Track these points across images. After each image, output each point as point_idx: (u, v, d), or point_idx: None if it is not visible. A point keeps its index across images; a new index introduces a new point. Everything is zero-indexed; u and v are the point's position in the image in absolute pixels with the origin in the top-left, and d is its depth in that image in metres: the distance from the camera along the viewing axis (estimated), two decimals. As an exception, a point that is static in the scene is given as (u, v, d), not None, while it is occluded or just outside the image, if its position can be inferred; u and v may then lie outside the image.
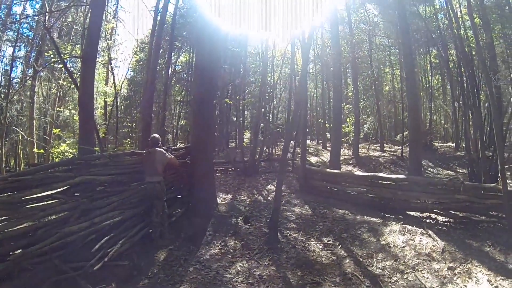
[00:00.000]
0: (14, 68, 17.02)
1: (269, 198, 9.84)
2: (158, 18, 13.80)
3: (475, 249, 5.84)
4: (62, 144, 13.11)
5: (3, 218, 4.51)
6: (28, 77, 16.40)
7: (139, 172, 6.40)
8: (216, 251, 6.08)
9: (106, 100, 19.83)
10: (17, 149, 17.36)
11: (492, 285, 4.67)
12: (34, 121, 16.87)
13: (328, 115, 23.13)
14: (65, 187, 5.10)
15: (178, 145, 16.63)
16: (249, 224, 7.41)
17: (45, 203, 4.86)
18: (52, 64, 16.01)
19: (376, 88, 20.41)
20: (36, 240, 4.61)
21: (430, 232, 6.60)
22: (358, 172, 12.10)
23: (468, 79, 12.38)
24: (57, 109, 18.60)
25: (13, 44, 16.31)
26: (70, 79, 12.49)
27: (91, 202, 5.44)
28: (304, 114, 12.56)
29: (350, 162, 15.81)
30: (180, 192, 7.80)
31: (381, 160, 15.97)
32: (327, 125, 22.49)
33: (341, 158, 14.64)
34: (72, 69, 16.34)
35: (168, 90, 18.12)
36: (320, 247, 6.34)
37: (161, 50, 15.95)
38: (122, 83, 19.96)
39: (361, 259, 5.75)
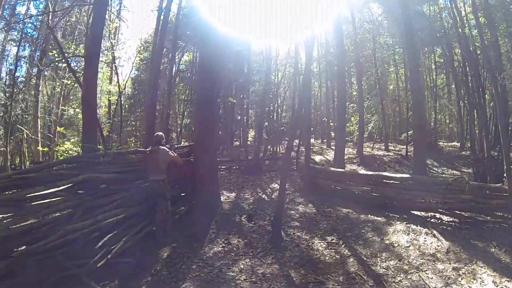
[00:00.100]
0: (18, 68, 17.11)
1: (273, 196, 9.82)
2: (162, 17, 13.81)
3: (480, 249, 5.79)
4: (66, 142, 13.18)
5: (7, 215, 4.52)
6: (32, 76, 16.46)
7: (143, 170, 6.41)
8: (220, 249, 6.08)
9: (110, 99, 19.91)
10: (22, 147, 17.43)
11: (497, 286, 4.63)
12: (39, 120, 16.94)
13: (332, 114, 23.07)
14: (69, 185, 5.11)
15: (182, 143, 16.64)
16: (252, 223, 7.40)
17: (49, 200, 4.87)
18: (56, 63, 16.09)
19: (381, 87, 20.36)
20: (39, 237, 4.61)
21: (434, 232, 6.56)
22: (362, 171, 12.04)
23: (473, 78, 12.32)
24: (62, 107, 18.69)
25: (18, 43, 16.38)
26: (74, 78, 12.53)
27: (95, 199, 5.44)
28: (308, 113, 12.54)
29: (355, 161, 15.74)
30: (183, 190, 7.81)
31: (385, 159, 15.90)
32: (332, 124, 22.43)
33: (345, 157, 14.59)
34: (76, 68, 16.43)
35: (172, 89, 18.13)
36: (324, 246, 6.31)
37: (164, 49, 15.98)
38: (126, 82, 20.02)
39: (365, 259, 5.72)
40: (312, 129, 21.61)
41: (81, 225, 4.98)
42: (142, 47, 20.34)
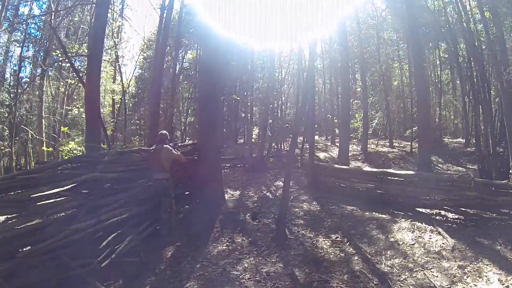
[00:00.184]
0: (22, 68, 17.14)
1: (277, 194, 9.80)
2: (164, 15, 13.81)
3: (486, 247, 5.75)
4: (70, 142, 13.23)
5: (12, 216, 4.54)
6: (36, 76, 16.53)
7: (146, 169, 6.41)
8: (224, 247, 6.07)
9: (114, 98, 19.96)
10: (27, 147, 17.51)
11: (503, 284, 4.58)
12: (43, 120, 17.04)
13: (336, 111, 22.95)
14: (73, 185, 5.11)
15: (187, 141, 16.65)
16: (257, 221, 7.39)
17: (53, 200, 4.87)
18: (60, 63, 16.14)
19: (385, 83, 20.25)
20: (44, 237, 4.62)
21: (439, 229, 6.51)
22: (366, 168, 11.99)
23: (478, 73, 12.21)
24: (66, 107, 18.76)
25: (21, 44, 16.42)
26: (78, 78, 12.57)
27: (99, 199, 5.45)
28: (312, 110, 12.51)
29: (359, 158, 15.70)
30: (187, 188, 7.81)
31: (390, 156, 15.83)
32: (336, 120, 22.35)
33: (349, 154, 14.55)
34: (80, 67, 16.45)
35: (176, 87, 18.15)
36: (328, 244, 6.29)
37: (168, 48, 15.98)
38: (130, 81, 20.09)
39: (369, 257, 5.69)
40: (316, 126, 21.54)
41: (85, 225, 4.98)
42: (145, 46, 20.35)
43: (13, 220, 4.50)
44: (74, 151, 12.02)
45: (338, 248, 6.09)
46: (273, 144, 16.28)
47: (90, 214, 5.20)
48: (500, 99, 10.85)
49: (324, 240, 6.43)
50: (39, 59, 16.63)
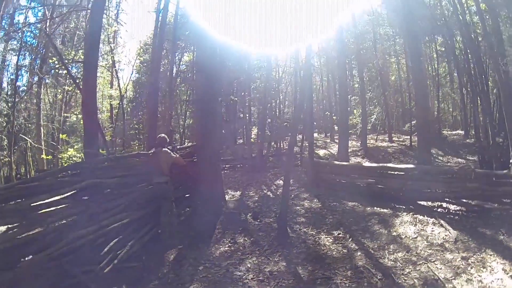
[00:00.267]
0: (19, 77, 17.09)
1: (278, 193, 9.79)
2: (160, 18, 13.80)
3: (488, 237, 5.74)
4: (70, 149, 13.22)
5: (13, 225, 4.52)
6: (33, 84, 16.52)
7: (146, 173, 6.40)
8: (226, 248, 6.06)
9: (112, 103, 19.94)
10: (27, 156, 17.49)
11: (507, 274, 4.57)
12: (42, 128, 17.02)
13: (335, 108, 22.97)
14: (73, 192, 5.10)
15: (186, 144, 16.65)
16: (258, 220, 7.38)
17: (54, 208, 4.86)
18: (57, 70, 16.13)
19: (382, 79, 20.25)
20: (45, 246, 4.61)
21: (442, 221, 6.51)
22: (366, 164, 11.98)
23: (475, 65, 12.19)
24: (64, 114, 18.74)
25: (17, 53, 16.41)
26: (74, 84, 12.58)
27: (99, 205, 5.43)
28: (310, 107, 12.49)
29: (359, 154, 15.69)
30: (188, 191, 7.78)
31: (389, 151, 15.82)
32: (334, 117, 22.35)
33: (349, 150, 14.53)
34: (77, 74, 16.43)
35: (173, 90, 18.13)
36: (331, 240, 6.29)
37: (164, 51, 15.97)
38: (127, 86, 20.06)
39: (372, 252, 5.68)
40: (315, 123, 21.53)
41: (86, 231, 4.97)
42: (142, 50, 20.34)
43: (14, 230, 4.49)
44: (73, 158, 12.02)
45: (340, 245, 6.08)
46: (273, 143, 16.28)
47: (91, 221, 5.19)
48: (498, 90, 10.83)
49: (326, 237, 6.43)
50: (36, 67, 16.63)
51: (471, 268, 4.80)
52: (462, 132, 18.96)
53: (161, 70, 16.38)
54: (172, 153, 6.44)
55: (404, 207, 7.52)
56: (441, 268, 4.87)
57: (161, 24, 13.45)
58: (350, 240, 6.25)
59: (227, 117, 19.35)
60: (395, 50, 22.55)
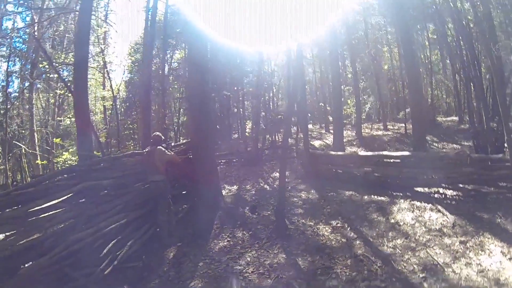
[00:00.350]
0: (10, 83, 16.88)
1: (274, 186, 9.76)
2: (149, 17, 13.72)
3: (486, 221, 5.79)
4: (64, 153, 13.13)
5: (10, 233, 4.50)
6: (24, 90, 16.36)
7: (142, 172, 6.38)
8: (225, 243, 6.07)
9: (104, 104, 19.80)
10: (21, 163, 17.34)
11: (505, 256, 4.62)
12: (35, 133, 16.86)
13: (328, 98, 22.97)
14: (69, 195, 5.08)
15: (181, 141, 16.59)
16: (256, 214, 7.39)
17: (51, 213, 4.83)
18: (48, 74, 15.97)
19: (375, 68, 20.24)
20: (44, 251, 4.59)
21: (439, 207, 6.56)
22: (362, 153, 11.93)
23: (468, 51, 12.18)
24: (57, 118, 18.59)
25: (7, 59, 16.20)
26: (66, 87, 12.48)
27: (96, 207, 5.41)
28: (303, 99, 12.48)
29: (354, 143, 15.70)
30: (184, 188, 7.78)
31: (385, 139, 15.84)
32: (328, 108, 22.35)
33: (344, 140, 14.53)
34: (68, 76, 16.27)
35: (166, 88, 18.05)
36: (329, 230, 6.31)
37: (155, 49, 15.86)
38: (119, 86, 19.91)
39: (371, 240, 5.71)
40: (309, 115, 21.51)
41: (85, 234, 4.97)
42: (133, 49, 20.20)
43: (12, 237, 4.47)
44: (68, 162, 11.94)
45: (339, 234, 6.11)
46: (268, 137, 16.26)
47: (89, 223, 5.18)
48: (491, 75, 10.84)
49: (325, 227, 6.45)
50: (27, 72, 16.46)
51: (470, 251, 4.84)
52: (456, 118, 18.99)
53: (153, 68, 16.29)
54: (166, 151, 6.41)
55: (401, 194, 7.56)
56: (440, 253, 4.90)
57: (151, 23, 13.38)
58: (348, 229, 6.28)
59: (221, 112, 19.30)
60: (387, 39, 22.50)
